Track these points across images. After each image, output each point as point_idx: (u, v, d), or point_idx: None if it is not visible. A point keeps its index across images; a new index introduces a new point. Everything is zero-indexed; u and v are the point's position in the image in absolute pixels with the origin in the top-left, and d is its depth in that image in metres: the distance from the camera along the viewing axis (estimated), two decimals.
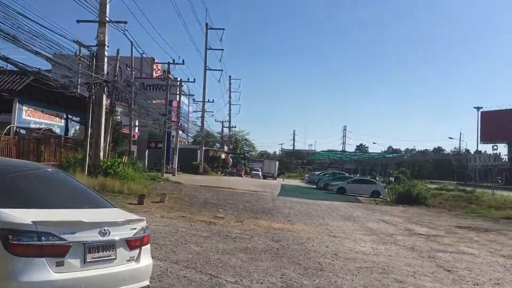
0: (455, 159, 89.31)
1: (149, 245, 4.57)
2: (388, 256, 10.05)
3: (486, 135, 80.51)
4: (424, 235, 14.26)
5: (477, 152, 67.32)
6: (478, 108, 74.90)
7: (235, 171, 63.11)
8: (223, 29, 57.84)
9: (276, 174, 68.03)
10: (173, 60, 38.43)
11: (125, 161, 23.79)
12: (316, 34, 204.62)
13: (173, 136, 47.27)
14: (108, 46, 20.68)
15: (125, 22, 20.89)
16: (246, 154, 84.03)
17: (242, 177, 58.63)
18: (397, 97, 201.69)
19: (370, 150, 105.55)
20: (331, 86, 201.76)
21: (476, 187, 42.91)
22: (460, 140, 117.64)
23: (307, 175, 68.37)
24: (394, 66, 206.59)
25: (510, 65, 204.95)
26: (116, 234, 4.09)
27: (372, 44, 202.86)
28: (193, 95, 57.38)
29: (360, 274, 7.92)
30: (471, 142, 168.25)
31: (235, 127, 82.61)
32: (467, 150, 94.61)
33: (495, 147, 50.34)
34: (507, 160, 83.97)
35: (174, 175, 39.06)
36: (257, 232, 11.93)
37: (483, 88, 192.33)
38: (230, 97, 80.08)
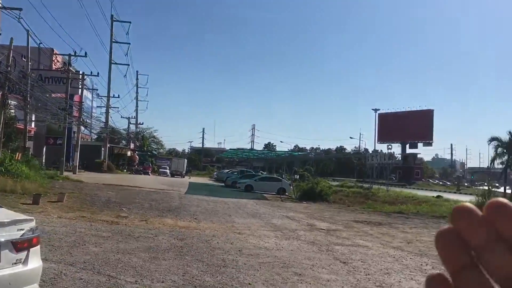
0: (355, 157, 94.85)
1: (38, 246, 4.30)
2: (290, 250, 10.39)
3: (383, 135, 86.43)
4: (325, 230, 14.95)
5: (375, 151, 71.95)
6: (375, 110, 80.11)
7: (141, 169, 61.43)
8: (130, 22, 55.76)
9: (185, 172, 67.32)
10: (75, 52, 36.48)
11: (19, 158, 22.14)
12: (224, 31, 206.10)
13: (74, 132, 44.85)
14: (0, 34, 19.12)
15: (20, 9, 19.45)
16: (153, 152, 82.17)
17: (149, 175, 57.25)
18: (304, 98, 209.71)
19: (277, 149, 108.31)
20: (240, 84, 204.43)
21: (373, 184, 45.87)
22: (360, 140, 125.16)
23: (215, 173, 68.51)
24: (301, 68, 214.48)
25: (405, 70, 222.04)
26: (0, 236, 3.79)
27: (277, 44, 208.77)
28: (97, 90, 54.78)
29: (262, 269, 8.10)
30: (370, 142, 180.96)
31: (142, 124, 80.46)
32: (366, 149, 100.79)
33: (390, 146, 54.15)
34: (400, 158, 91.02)
35: (75, 173, 37.04)
36: (162, 231, 11.72)
37: (381, 91, 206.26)
38: (137, 92, 77.75)
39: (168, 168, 66.14)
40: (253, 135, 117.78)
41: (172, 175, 62.44)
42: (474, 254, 0.33)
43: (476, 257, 0.33)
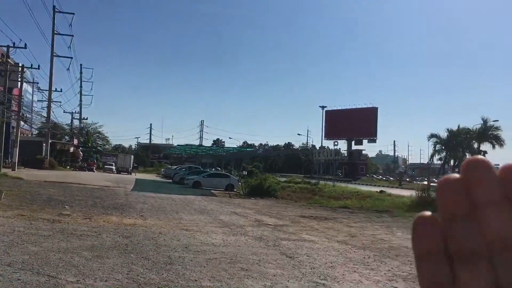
0: (303, 154, 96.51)
1: None
2: (237, 246, 10.44)
3: (330, 132, 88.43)
4: (272, 225, 15.12)
5: (321, 147, 73.62)
6: (323, 107, 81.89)
7: (86, 165, 59.50)
8: (73, 13, 53.71)
9: (131, 168, 65.91)
10: (14, 44, 34.75)
11: None
12: (172, 26, 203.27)
13: (13, 127, 42.78)
14: None
15: None
16: (99, 148, 79.76)
17: (94, 171, 55.57)
18: (253, 95, 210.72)
19: (226, 145, 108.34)
20: (189, 80, 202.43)
21: (320, 179, 46.88)
22: (307, 136, 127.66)
23: (163, 169, 67.57)
24: (250, 64, 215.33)
25: (351, 68, 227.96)
26: None
27: (226, 40, 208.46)
28: (38, 83, 52.50)
29: (208, 265, 8.09)
30: (317, 139, 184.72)
31: (87, 119, 77.86)
32: (313, 146, 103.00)
33: (336, 143, 55.53)
34: (346, 155, 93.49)
35: (14, 170, 35.39)
36: (106, 229, 11.43)
37: (328, 88, 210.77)
38: (80, 86, 75.30)
39: (113, 164, 64.57)
40: (201, 131, 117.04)
41: (118, 171, 61.02)
42: (477, 208, 0.33)
43: (478, 212, 0.33)
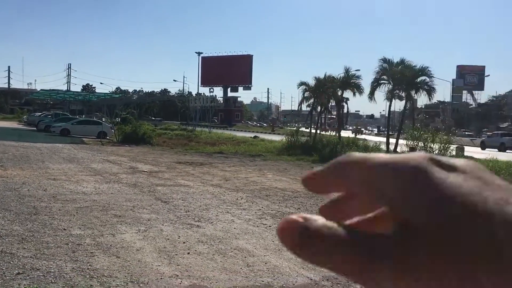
0: (179, 100, 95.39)
1: None
2: (110, 194, 10.19)
3: (206, 79, 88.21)
4: (147, 172, 14.96)
5: (198, 94, 73.30)
6: (199, 54, 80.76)
7: None
8: None
9: None
10: None
11: None
12: None
13: None
14: None
15: None
16: None
17: None
18: (126, 38, 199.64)
19: (97, 91, 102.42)
20: (53, 19, 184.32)
21: (196, 126, 47.09)
22: (183, 83, 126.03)
23: (25, 116, 62.00)
24: (122, 6, 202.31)
25: (227, 15, 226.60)
26: None
27: None
28: None
29: (79, 213, 7.81)
30: (194, 85, 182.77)
31: None
32: (190, 93, 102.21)
33: (212, 90, 55.76)
34: (222, 102, 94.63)
35: None
36: None
37: (204, 34, 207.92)
38: None
39: None
40: (69, 75, 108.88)
41: None
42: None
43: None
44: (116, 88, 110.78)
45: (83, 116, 53.69)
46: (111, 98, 64.78)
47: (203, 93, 78.23)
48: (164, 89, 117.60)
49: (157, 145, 28.78)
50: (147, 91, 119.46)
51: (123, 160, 18.69)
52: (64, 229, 6.76)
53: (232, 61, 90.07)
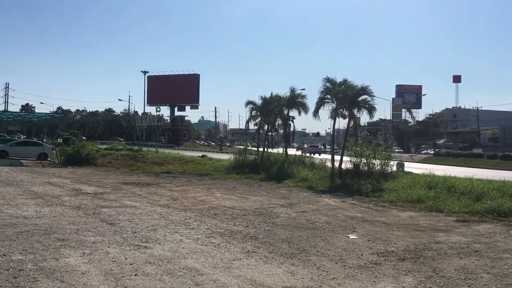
0: (124, 120, 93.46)
1: None
2: (52, 217, 9.87)
3: (152, 98, 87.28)
4: (91, 193, 14.58)
5: (144, 113, 72.29)
6: (145, 72, 79.84)
7: None
8: None
9: None
10: None
11: None
12: None
13: None
14: None
15: None
16: None
17: None
18: (68, 57, 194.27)
19: (37, 111, 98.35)
20: None
21: (142, 146, 46.31)
22: (129, 102, 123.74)
23: None
24: (61, 22, 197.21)
25: (174, 34, 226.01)
26: None
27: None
28: None
29: (19, 238, 7.53)
30: (140, 104, 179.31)
31: None
32: (136, 112, 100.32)
33: (159, 109, 55.22)
34: (169, 121, 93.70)
35: None
36: None
37: (149, 53, 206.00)
38: None
39: None
40: (6, 95, 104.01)
41: None
42: None
43: None
44: (58, 108, 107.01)
45: (23, 137, 51.41)
46: (53, 118, 62.38)
47: (150, 112, 77.32)
48: (109, 108, 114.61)
49: (102, 166, 28.04)
50: (90, 110, 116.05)
51: (66, 182, 18.11)
52: (4, 255, 6.49)
53: (179, 80, 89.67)
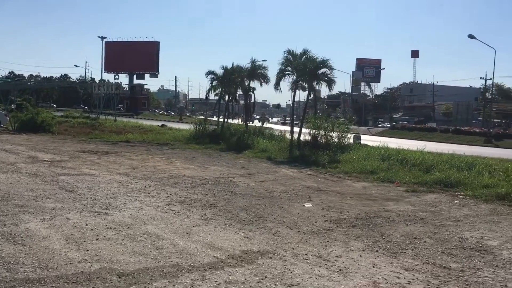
0: (81, 87, 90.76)
1: None
2: (9, 184, 9.75)
3: (110, 65, 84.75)
4: (48, 161, 14.36)
5: (102, 81, 70.33)
6: (102, 38, 77.26)
7: None
8: None
9: None
10: None
11: None
12: None
13: None
14: None
15: None
16: None
17: None
18: (19, 17, 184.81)
19: None
20: None
21: (100, 114, 45.35)
22: (86, 68, 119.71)
23: None
24: None
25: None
26: None
27: None
28: None
29: None
30: (97, 72, 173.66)
31: None
32: (93, 79, 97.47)
33: (117, 76, 53.82)
34: (128, 89, 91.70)
35: None
36: None
37: (108, 18, 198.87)
38: None
39: None
40: None
41: None
42: None
43: None
44: (10, 72, 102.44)
45: None
46: (4, 83, 60.03)
47: (108, 80, 75.25)
48: (64, 74, 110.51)
49: (58, 134, 27.41)
50: (45, 76, 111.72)
51: (21, 149, 17.69)
52: None
53: (138, 48, 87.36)
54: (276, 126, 43.27)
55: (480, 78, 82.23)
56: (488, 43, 66.20)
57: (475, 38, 43.03)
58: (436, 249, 6.39)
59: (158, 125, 37.08)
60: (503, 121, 66.41)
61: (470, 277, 5.26)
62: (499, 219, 8.50)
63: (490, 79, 53.33)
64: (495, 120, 64.05)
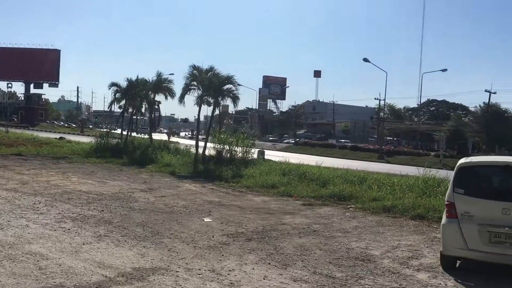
0: None
1: None
2: None
3: (3, 72, 78.64)
4: None
5: None
6: None
7: None
8: None
9: None
10: None
11: None
12: None
13: None
14: None
15: None
16: None
17: None
18: None
19: None
20: None
21: None
22: None
23: None
24: None
25: (31, 5, 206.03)
26: None
27: None
28: None
29: None
30: None
31: None
32: None
33: (10, 85, 50.10)
34: (23, 98, 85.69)
35: None
36: None
37: (4, 26, 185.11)
38: None
39: None
40: None
41: None
42: None
43: None
44: None
45: None
46: None
47: (1, 89, 69.68)
48: None
49: None
50: None
51: None
52: None
53: (36, 55, 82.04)
54: (183, 140, 42.92)
55: (375, 99, 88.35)
56: (381, 67, 71.03)
57: (369, 62, 46.12)
58: (324, 259, 6.71)
59: (56, 138, 34.96)
60: (395, 138, 71.90)
61: (352, 285, 5.60)
62: (383, 230, 9.15)
63: (383, 100, 57.39)
64: (387, 138, 69.04)
